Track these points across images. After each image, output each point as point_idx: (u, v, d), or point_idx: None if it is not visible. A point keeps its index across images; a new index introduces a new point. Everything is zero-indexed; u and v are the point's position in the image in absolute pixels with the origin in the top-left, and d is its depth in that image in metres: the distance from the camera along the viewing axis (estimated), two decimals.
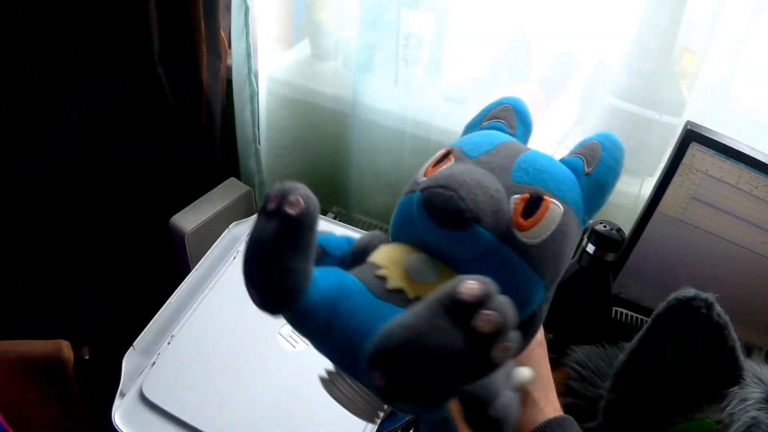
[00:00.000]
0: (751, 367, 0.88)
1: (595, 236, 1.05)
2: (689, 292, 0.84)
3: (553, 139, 1.27)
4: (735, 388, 0.86)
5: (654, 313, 0.87)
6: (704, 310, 0.83)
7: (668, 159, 1.07)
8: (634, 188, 1.25)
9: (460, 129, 0.62)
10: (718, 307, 0.84)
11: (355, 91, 1.33)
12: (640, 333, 0.89)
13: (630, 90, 1.16)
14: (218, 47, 1.34)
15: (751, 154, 1.03)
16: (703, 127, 1.05)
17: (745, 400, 0.84)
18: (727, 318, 0.85)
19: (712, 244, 1.11)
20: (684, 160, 1.05)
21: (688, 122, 1.04)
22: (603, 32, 1.16)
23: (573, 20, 1.17)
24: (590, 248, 1.06)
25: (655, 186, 1.10)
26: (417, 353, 0.35)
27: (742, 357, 0.88)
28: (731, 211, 1.08)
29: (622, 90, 1.17)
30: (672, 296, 0.85)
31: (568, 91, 1.27)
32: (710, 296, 0.84)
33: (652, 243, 1.14)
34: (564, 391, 1.02)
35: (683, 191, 1.08)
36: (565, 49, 1.23)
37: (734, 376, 0.87)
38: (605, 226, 1.05)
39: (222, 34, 1.34)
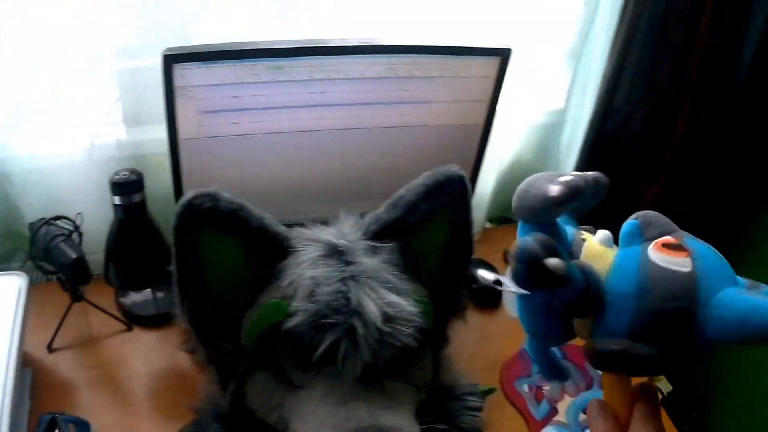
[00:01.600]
0: (300, 233, 0.91)
1: (115, 187, 1.08)
2: (190, 194, 0.85)
3: (98, 116, 1.24)
4: (287, 260, 0.88)
5: (174, 222, 0.86)
6: (209, 203, 0.85)
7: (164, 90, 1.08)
8: None
9: None
10: (225, 195, 0.86)
11: None
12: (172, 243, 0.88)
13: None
14: None
15: (231, 48, 1.07)
16: (178, 47, 1.06)
17: (299, 264, 0.86)
18: (240, 201, 0.87)
19: (256, 144, 1.16)
20: (176, 84, 1.06)
21: (164, 50, 1.05)
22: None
23: None
24: (117, 200, 1.09)
25: (166, 121, 1.11)
26: None
27: (280, 228, 0.90)
28: (251, 106, 1.12)
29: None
30: (181, 200, 0.85)
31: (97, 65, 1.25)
32: (213, 189, 0.85)
33: (200, 171, 1.16)
34: None
35: (192, 112, 1.10)
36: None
37: (282, 249, 0.89)
38: (121, 174, 1.07)
39: None
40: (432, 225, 0.96)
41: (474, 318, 1.39)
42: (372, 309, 0.81)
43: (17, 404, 1.08)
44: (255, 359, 0.92)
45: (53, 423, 1.02)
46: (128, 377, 1.22)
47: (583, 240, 0.63)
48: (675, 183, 1.47)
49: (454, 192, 0.95)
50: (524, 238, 0.56)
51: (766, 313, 0.47)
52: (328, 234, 0.89)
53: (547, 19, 1.35)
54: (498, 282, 0.62)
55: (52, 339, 1.24)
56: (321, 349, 0.82)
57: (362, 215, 0.95)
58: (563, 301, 0.59)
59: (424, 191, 0.92)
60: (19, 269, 1.18)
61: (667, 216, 0.60)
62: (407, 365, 0.91)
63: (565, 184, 0.58)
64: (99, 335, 1.28)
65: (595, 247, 0.62)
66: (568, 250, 0.63)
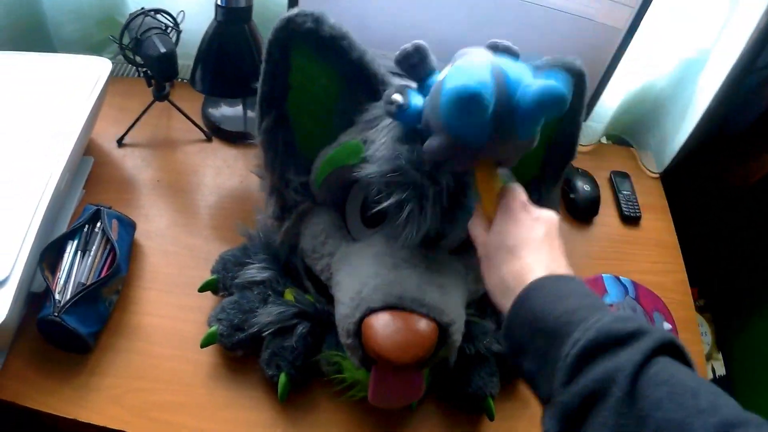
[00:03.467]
0: (400, 79, 0.83)
1: None
2: (293, 10, 0.79)
3: None
4: (378, 103, 0.81)
5: (270, 36, 0.80)
6: (311, 24, 0.78)
7: None
8: None
9: None
10: (330, 20, 0.79)
11: None
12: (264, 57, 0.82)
13: None
14: None
15: None
16: None
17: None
18: (344, 30, 0.80)
19: None
20: None
21: None
22: None
23: None
24: (221, 0, 1.02)
25: None
26: None
27: (379, 68, 0.83)
28: None
29: None
30: (283, 15, 0.79)
31: None
32: (320, 11, 0.79)
33: None
34: None
35: None
36: None
37: (376, 91, 0.83)
38: None
39: None
40: None
41: (563, 229, 1.31)
42: (449, 176, 0.75)
43: (68, 188, 1.07)
44: (319, 200, 0.88)
45: (97, 215, 1.00)
46: (192, 188, 1.19)
47: None
48: None
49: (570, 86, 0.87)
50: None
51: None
52: None
53: None
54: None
55: (125, 133, 1.21)
56: (386, 204, 0.75)
57: None
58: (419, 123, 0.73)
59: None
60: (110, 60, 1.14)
61: None
62: (472, 248, 0.85)
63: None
64: (175, 140, 1.25)
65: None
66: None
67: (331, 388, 0.92)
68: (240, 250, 1.00)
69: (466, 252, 0.84)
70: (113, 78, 1.12)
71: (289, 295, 0.94)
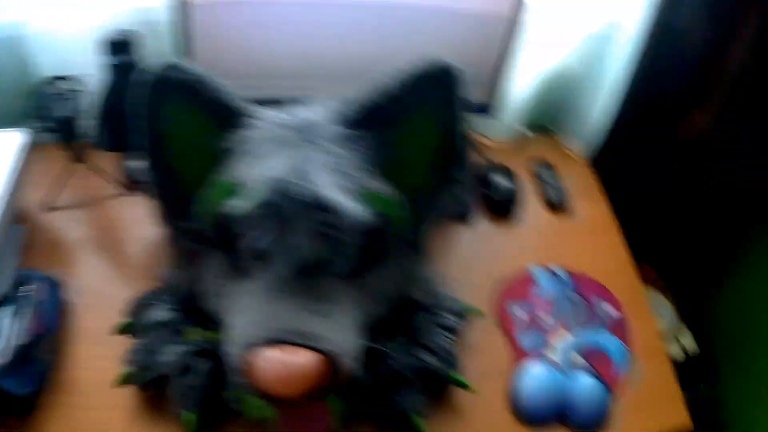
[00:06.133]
0: (264, 111, 0.86)
1: (107, 46, 1.07)
2: (152, 65, 0.83)
3: None
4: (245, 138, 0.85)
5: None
6: (167, 73, 0.83)
7: None
8: None
9: None
10: (184, 65, 0.84)
11: None
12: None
13: None
14: None
15: None
16: None
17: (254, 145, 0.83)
18: (198, 71, 0.83)
19: (272, 12, 1.10)
20: None
21: None
22: None
23: None
24: (108, 59, 1.08)
25: None
26: None
27: (239, 102, 0.86)
28: None
29: None
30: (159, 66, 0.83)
31: None
32: (175, 60, 0.84)
33: (211, 38, 1.13)
34: None
35: None
36: None
37: (242, 126, 0.85)
38: (113, 33, 1.07)
39: None
40: (415, 122, 0.88)
41: (485, 230, 1.31)
42: (318, 199, 0.76)
43: (3, 258, 1.09)
44: (212, 242, 0.88)
45: (26, 279, 1.05)
46: (118, 241, 1.23)
47: None
48: (725, 116, 1.34)
49: (440, 86, 0.85)
50: None
51: None
52: (295, 115, 0.84)
53: None
54: None
55: (51, 198, 1.25)
56: (256, 239, 0.79)
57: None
58: None
59: (406, 81, 0.83)
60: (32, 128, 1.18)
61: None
62: (362, 270, 0.85)
63: None
64: (99, 197, 1.29)
65: None
66: None
67: (250, 427, 0.93)
68: (149, 294, 1.03)
69: (360, 276, 0.85)
70: (36, 145, 1.16)
71: (194, 335, 0.96)
